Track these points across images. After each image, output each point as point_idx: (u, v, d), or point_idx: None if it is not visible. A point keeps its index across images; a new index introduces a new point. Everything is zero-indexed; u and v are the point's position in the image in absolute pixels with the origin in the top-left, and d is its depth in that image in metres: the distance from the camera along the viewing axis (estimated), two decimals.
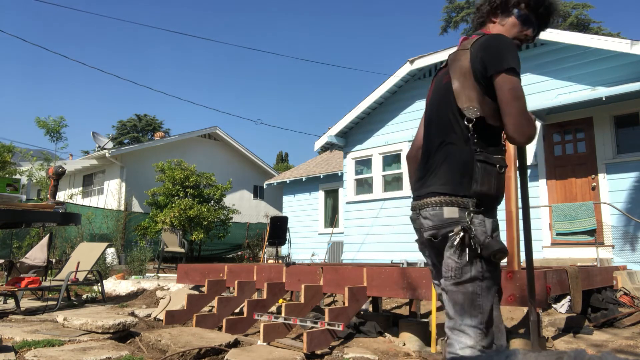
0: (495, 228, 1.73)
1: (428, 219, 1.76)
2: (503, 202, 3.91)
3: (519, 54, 1.72)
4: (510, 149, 3.60)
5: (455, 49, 1.88)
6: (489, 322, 1.68)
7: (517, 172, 2.11)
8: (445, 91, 1.82)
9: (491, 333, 1.69)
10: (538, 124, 7.69)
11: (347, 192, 10.59)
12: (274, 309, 5.41)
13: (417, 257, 5.99)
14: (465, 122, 1.71)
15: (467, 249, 1.66)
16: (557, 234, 7.25)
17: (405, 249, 8.70)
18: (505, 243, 4.17)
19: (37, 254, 7.07)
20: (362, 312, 5.08)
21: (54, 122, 13.07)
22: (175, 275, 7.53)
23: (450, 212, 1.69)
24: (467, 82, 1.73)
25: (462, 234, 1.65)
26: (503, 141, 1.80)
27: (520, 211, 3.91)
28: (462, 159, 1.70)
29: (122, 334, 4.12)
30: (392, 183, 9.91)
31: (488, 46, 1.72)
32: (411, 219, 1.90)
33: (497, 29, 1.86)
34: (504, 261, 4.47)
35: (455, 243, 1.67)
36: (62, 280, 6.20)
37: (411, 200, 1.92)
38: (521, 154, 1.95)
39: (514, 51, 1.69)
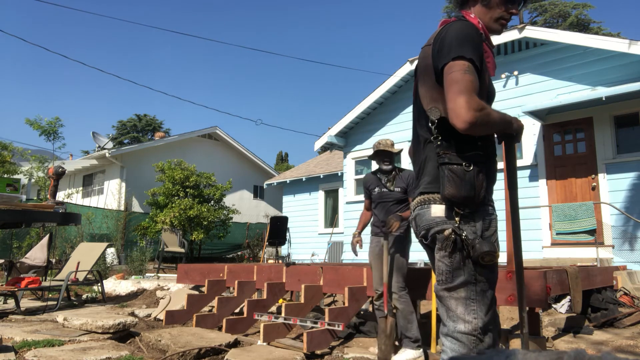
0: (488, 227, 1.64)
1: (418, 219, 1.71)
2: (502, 202, 3.87)
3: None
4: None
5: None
6: (485, 328, 1.59)
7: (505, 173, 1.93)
8: (416, 89, 1.78)
9: (490, 337, 1.60)
10: (538, 123, 7.69)
11: (347, 192, 10.59)
12: (274, 309, 5.41)
13: (417, 257, 5.98)
14: (430, 124, 1.65)
15: (457, 251, 1.58)
16: (557, 234, 7.24)
17: None
18: (505, 243, 4.16)
19: (37, 254, 7.07)
20: (362, 312, 5.08)
21: (49, 123, 13.02)
22: (175, 275, 7.53)
23: (438, 211, 1.63)
24: (429, 80, 1.67)
25: (453, 235, 1.57)
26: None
27: (520, 211, 3.90)
28: (437, 162, 1.65)
29: (122, 334, 4.12)
30: None
31: (440, 39, 1.63)
32: (410, 221, 1.86)
33: (479, 10, 1.74)
34: (503, 261, 4.47)
35: (442, 245, 1.60)
36: (62, 280, 6.19)
37: None
38: (508, 154, 1.80)
39: (464, 38, 1.58)
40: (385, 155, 3.96)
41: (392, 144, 4.01)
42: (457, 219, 1.59)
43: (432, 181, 1.67)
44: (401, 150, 4.20)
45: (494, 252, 1.56)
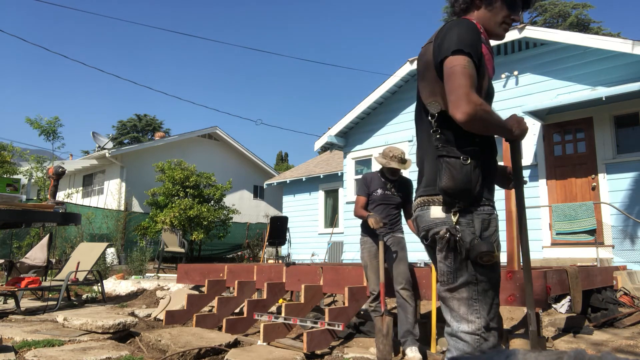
0: (487, 227, 1.63)
1: (418, 220, 1.73)
2: (502, 201, 3.86)
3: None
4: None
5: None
6: (488, 326, 1.60)
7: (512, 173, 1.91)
8: (419, 89, 1.80)
9: (494, 336, 1.60)
10: (538, 123, 7.69)
11: (347, 192, 10.59)
12: (274, 309, 5.41)
13: (417, 257, 5.97)
14: (429, 118, 1.67)
15: (453, 252, 1.59)
16: (557, 234, 7.24)
17: None
18: (506, 243, 4.15)
19: (37, 254, 7.07)
20: (362, 312, 5.08)
21: (48, 122, 13.03)
22: (175, 275, 7.53)
23: (436, 212, 1.64)
24: (429, 75, 1.69)
25: (447, 236, 1.58)
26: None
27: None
28: (434, 157, 1.66)
29: (122, 334, 4.12)
30: None
31: (441, 35, 1.65)
32: (412, 221, 1.89)
33: (483, 14, 1.76)
34: (504, 261, 4.48)
35: (441, 246, 1.61)
36: (62, 280, 6.19)
37: None
38: (514, 154, 1.79)
39: (464, 33, 1.60)
40: (397, 172, 4.05)
41: (403, 160, 3.97)
42: (454, 219, 1.60)
43: (431, 183, 1.68)
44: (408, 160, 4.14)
45: (492, 252, 1.56)
